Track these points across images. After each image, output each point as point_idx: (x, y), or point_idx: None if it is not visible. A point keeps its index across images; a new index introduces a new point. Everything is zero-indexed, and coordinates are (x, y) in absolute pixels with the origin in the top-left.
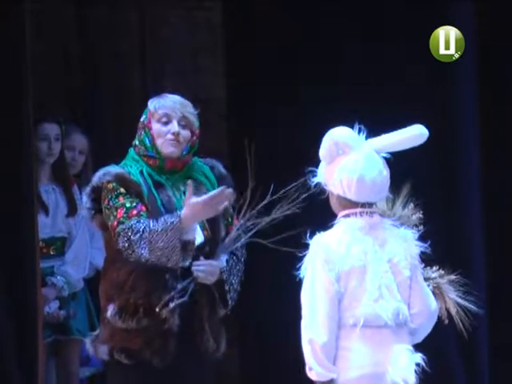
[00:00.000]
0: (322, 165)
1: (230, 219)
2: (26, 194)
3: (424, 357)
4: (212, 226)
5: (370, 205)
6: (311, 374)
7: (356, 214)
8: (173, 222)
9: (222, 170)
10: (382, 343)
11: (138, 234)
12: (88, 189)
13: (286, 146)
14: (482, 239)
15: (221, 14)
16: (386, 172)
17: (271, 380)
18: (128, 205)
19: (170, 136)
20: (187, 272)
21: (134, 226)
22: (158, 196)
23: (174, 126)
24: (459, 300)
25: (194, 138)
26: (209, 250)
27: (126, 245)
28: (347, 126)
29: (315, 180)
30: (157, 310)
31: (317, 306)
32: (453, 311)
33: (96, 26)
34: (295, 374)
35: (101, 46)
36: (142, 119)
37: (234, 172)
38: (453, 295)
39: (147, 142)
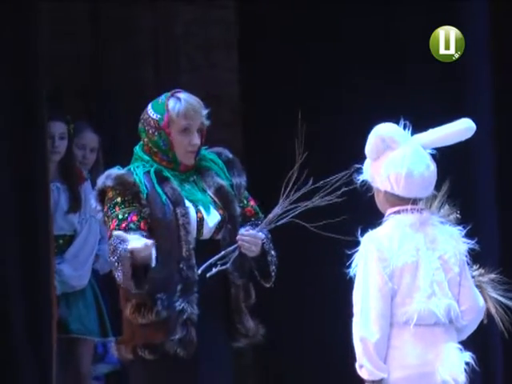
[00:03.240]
0: (367, 161)
1: (245, 201)
2: (39, 192)
3: (473, 355)
4: (226, 204)
5: (418, 201)
6: (362, 373)
7: (407, 210)
8: (124, 248)
9: (229, 154)
10: (433, 342)
11: (116, 256)
12: (95, 192)
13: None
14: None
15: (235, 11)
16: (433, 167)
17: (292, 373)
18: (120, 216)
19: (190, 148)
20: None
21: (113, 246)
22: (163, 191)
23: (195, 138)
24: (500, 298)
25: (203, 139)
26: (231, 227)
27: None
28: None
29: (361, 177)
30: (198, 272)
31: (370, 304)
32: (492, 310)
33: (110, 22)
34: (316, 369)
35: (115, 43)
36: (154, 116)
37: (248, 167)
38: (493, 294)
39: (162, 145)
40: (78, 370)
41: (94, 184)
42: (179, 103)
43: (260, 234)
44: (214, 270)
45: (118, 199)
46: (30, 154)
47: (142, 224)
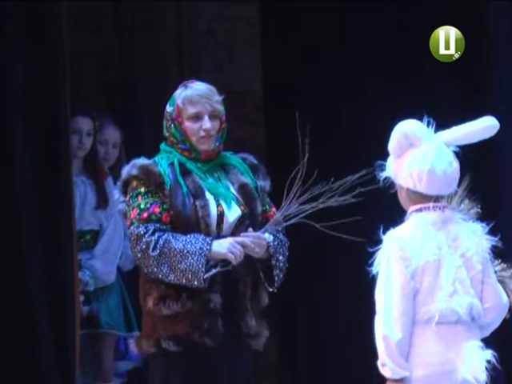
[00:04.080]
0: (390, 158)
1: (267, 207)
2: (63, 188)
3: (495, 353)
4: (248, 202)
5: (441, 198)
6: (384, 371)
7: (429, 208)
8: (202, 248)
9: (254, 160)
10: (454, 340)
11: (158, 251)
12: (119, 184)
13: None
14: None
15: (258, 7)
16: (456, 164)
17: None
18: (142, 206)
19: (202, 133)
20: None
21: (152, 241)
22: (184, 183)
23: (206, 123)
24: None
25: (223, 125)
26: (249, 223)
27: (144, 260)
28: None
29: (384, 174)
30: (205, 275)
31: (392, 302)
32: None
33: (133, 19)
34: (333, 367)
35: (138, 40)
36: (168, 110)
37: (271, 163)
38: None
39: (178, 136)
40: (102, 364)
41: (115, 180)
42: (185, 91)
43: (266, 235)
44: (214, 271)
45: (142, 189)
46: (53, 150)
47: (163, 216)
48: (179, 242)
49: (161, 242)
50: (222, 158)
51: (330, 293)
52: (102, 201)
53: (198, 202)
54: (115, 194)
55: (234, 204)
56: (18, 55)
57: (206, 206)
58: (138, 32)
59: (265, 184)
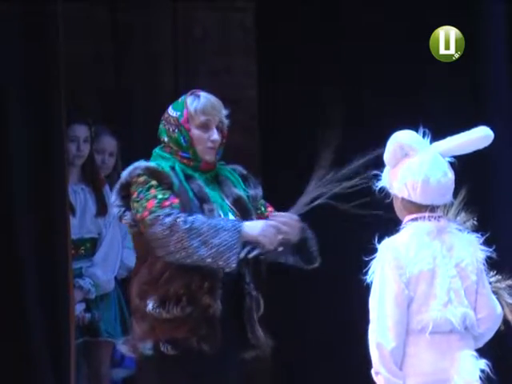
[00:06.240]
0: (386, 169)
1: (262, 208)
2: (58, 196)
3: (489, 363)
4: (244, 215)
5: (436, 208)
6: (378, 379)
7: (424, 217)
8: (235, 224)
9: (243, 170)
10: (448, 349)
11: (189, 224)
12: (117, 186)
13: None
14: None
15: (253, 15)
16: (450, 174)
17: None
18: (160, 196)
19: (209, 144)
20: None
21: (181, 217)
22: (189, 187)
23: (214, 134)
24: None
25: (224, 140)
26: None
27: (172, 237)
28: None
29: (379, 184)
30: (242, 255)
31: (386, 311)
32: (509, 317)
33: (129, 26)
34: (329, 374)
35: (133, 47)
36: (174, 114)
37: (264, 171)
38: (510, 300)
39: (183, 142)
40: (99, 371)
41: (112, 188)
42: (197, 99)
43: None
44: (255, 252)
45: (153, 182)
46: (48, 158)
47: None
48: (210, 219)
49: (190, 218)
50: (218, 169)
51: (328, 298)
52: (102, 208)
53: (205, 206)
54: (112, 196)
55: (230, 217)
56: (14, 62)
57: (213, 210)
58: (134, 39)
59: (256, 192)
